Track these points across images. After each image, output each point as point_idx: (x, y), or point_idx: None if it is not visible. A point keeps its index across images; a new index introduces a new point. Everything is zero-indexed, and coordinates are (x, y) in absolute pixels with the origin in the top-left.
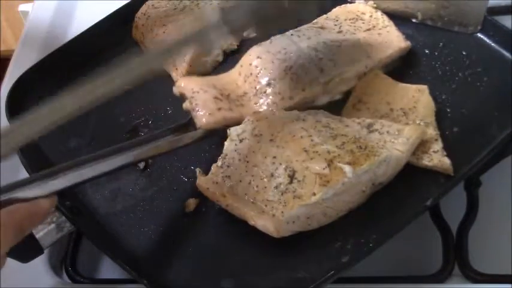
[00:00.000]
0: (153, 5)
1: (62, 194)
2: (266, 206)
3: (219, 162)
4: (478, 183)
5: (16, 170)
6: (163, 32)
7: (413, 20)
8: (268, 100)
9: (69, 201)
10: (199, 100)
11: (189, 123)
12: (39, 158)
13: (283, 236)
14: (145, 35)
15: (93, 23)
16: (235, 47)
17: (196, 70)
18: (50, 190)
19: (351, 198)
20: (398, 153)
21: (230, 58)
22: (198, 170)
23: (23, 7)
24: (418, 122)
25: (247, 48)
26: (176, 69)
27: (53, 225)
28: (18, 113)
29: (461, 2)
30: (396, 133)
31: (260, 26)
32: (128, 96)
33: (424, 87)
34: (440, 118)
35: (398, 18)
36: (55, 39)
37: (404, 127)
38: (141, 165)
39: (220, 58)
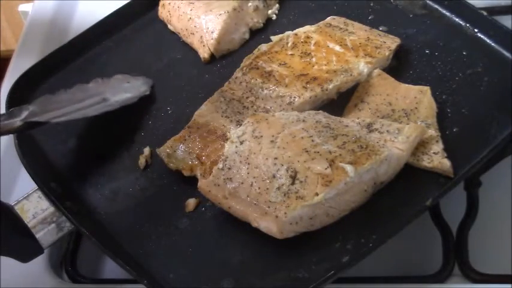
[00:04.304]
0: None
1: (62, 194)
2: (269, 207)
3: (220, 165)
4: (478, 183)
5: (16, 170)
6: (191, 10)
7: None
8: None
9: (69, 201)
10: None
11: None
12: (39, 158)
13: (286, 237)
14: (172, 13)
15: (96, 21)
16: (261, 25)
17: (224, 47)
18: None
19: (353, 198)
20: (398, 151)
21: (257, 36)
22: (198, 172)
23: (23, 7)
24: (419, 123)
25: (273, 27)
26: (204, 45)
27: (53, 225)
28: None
29: None
30: (396, 132)
31: None
32: None
33: (427, 89)
34: (441, 118)
35: (397, 18)
36: (55, 39)
37: (404, 126)
38: (141, 165)
39: (247, 36)
